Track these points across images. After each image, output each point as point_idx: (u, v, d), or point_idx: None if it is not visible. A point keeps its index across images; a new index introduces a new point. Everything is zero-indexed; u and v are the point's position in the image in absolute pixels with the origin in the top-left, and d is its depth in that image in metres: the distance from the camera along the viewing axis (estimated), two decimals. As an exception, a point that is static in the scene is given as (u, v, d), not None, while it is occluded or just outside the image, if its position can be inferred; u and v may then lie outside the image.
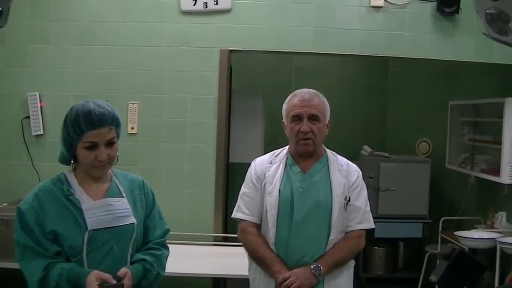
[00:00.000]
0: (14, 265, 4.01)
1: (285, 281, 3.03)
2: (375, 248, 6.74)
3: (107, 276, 2.49)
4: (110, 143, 2.60)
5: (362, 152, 7.29)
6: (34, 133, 5.03)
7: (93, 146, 2.56)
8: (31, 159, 4.99)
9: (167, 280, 4.17)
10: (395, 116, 7.79)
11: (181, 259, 4.39)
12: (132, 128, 4.99)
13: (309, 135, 3.12)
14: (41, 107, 5.02)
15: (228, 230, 5.07)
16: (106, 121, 2.57)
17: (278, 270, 3.08)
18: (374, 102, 7.82)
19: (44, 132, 5.01)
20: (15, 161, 5.04)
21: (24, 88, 5.07)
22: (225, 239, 4.94)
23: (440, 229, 6.12)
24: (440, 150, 7.06)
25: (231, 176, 5.54)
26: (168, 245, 4.32)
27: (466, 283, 1.67)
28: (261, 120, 6.69)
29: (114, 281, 2.51)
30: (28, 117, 5.04)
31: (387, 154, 7.06)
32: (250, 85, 7.12)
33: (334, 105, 6.74)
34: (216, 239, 4.97)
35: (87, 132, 2.54)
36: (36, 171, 4.93)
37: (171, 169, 5.03)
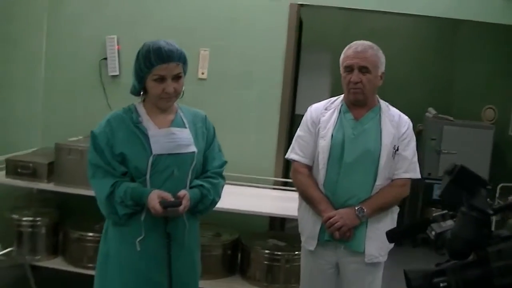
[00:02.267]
0: (87, 192, 4.40)
1: (329, 219, 3.24)
2: (432, 209, 6.79)
3: (166, 194, 2.76)
4: (176, 78, 2.84)
5: (427, 114, 7.35)
6: (110, 74, 5.33)
7: (161, 79, 2.80)
8: (106, 97, 5.30)
9: (228, 215, 4.46)
10: (462, 81, 7.80)
11: (242, 199, 4.66)
12: (202, 74, 5.20)
13: (358, 85, 3.25)
14: (118, 50, 5.29)
15: (288, 176, 5.26)
16: (174, 57, 2.80)
17: (324, 209, 3.27)
18: (442, 65, 7.84)
19: (119, 73, 5.29)
20: (92, 99, 5.36)
21: (103, 31, 5.34)
22: (285, 184, 5.13)
23: (497, 195, 6.16)
24: (505, 118, 7.03)
25: (295, 127, 5.71)
26: (231, 186, 4.61)
27: (464, 194, 1.81)
28: (329, 76, 6.86)
29: (172, 199, 2.78)
30: (106, 58, 5.33)
31: (451, 118, 7.11)
32: (320, 42, 7.24)
33: (403, 67, 6.92)
34: (276, 183, 5.15)
35: (156, 66, 2.78)
36: (111, 108, 5.13)
37: (237, 115, 5.22)
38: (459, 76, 7.83)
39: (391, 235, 2.23)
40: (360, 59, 3.25)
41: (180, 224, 2.92)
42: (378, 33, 7.21)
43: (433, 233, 1.96)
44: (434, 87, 7.79)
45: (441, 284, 1.90)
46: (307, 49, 6.53)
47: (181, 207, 2.79)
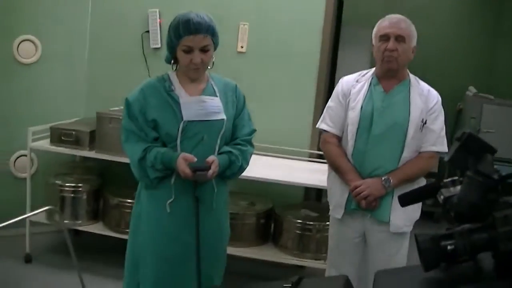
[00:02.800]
0: (126, 160, 4.55)
1: (356, 188, 3.32)
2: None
3: (191, 156, 2.90)
4: (204, 50, 2.95)
5: (467, 92, 7.33)
6: (152, 46, 5.44)
7: (188, 50, 2.93)
8: (148, 69, 5.42)
9: (262, 186, 4.58)
10: (504, 60, 7.72)
11: (277, 170, 4.74)
12: (242, 47, 5.28)
13: (394, 53, 3.29)
14: (160, 23, 5.41)
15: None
16: (202, 29, 2.91)
17: (352, 178, 3.35)
18: (484, 43, 7.79)
19: (161, 45, 5.39)
20: (134, 70, 5.48)
21: (145, 5, 5.45)
22: (320, 156, 5.19)
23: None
24: (546, 97, 6.99)
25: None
26: (267, 157, 4.70)
27: (471, 160, 1.88)
28: (368, 52, 6.89)
29: (195, 160, 2.90)
30: (148, 31, 5.45)
31: (492, 97, 7.07)
32: (361, 18, 7.25)
33: (444, 45, 6.88)
34: (311, 155, 5.23)
35: (184, 37, 2.91)
36: None
37: (274, 87, 5.28)
38: (501, 55, 7.77)
39: (402, 199, 2.32)
40: (396, 28, 3.31)
41: (209, 188, 3.05)
42: (420, 11, 7.23)
43: (442, 197, 2.04)
44: (476, 66, 7.75)
45: (449, 247, 1.98)
46: (348, 25, 6.57)
47: (210, 172, 2.91)
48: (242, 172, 3.19)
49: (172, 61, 3.07)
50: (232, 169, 3.08)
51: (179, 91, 3.00)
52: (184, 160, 2.87)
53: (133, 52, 5.52)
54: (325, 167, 4.46)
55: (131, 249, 3.18)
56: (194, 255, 3.02)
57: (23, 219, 4.81)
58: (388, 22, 3.36)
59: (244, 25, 5.27)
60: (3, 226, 5.11)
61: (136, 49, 5.51)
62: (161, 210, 3.00)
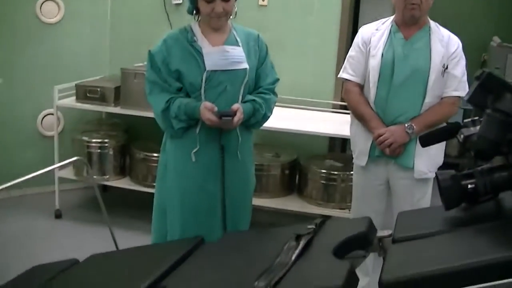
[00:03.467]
0: (151, 114, 4.61)
1: (380, 136, 3.36)
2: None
3: (211, 104, 2.93)
4: None
5: (492, 43, 7.26)
6: (174, 2, 5.45)
7: (210, 0, 2.93)
8: (170, 25, 5.42)
9: (287, 137, 4.62)
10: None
11: (301, 121, 4.77)
12: (263, 0, 5.27)
13: (416, 1, 3.29)
14: (180, -21, 5.43)
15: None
16: None
17: (375, 125, 3.39)
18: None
19: (182, 1, 5.38)
20: (156, 27, 5.48)
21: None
22: (344, 107, 5.20)
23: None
24: None
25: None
26: (290, 109, 4.73)
27: (490, 98, 1.90)
28: (390, 8, 6.84)
29: (216, 108, 2.93)
30: (169, -13, 5.48)
31: (516, 47, 7.01)
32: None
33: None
34: (334, 106, 5.24)
35: None
36: None
37: (297, 40, 5.26)
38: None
39: (424, 138, 2.36)
40: None
41: (234, 137, 3.08)
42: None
43: (462, 136, 2.07)
44: (500, 16, 7.65)
45: (469, 186, 2.02)
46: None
47: (235, 119, 2.93)
48: (266, 120, 3.21)
49: (194, 12, 3.07)
50: (256, 117, 3.11)
51: (202, 41, 3.02)
52: (205, 108, 2.91)
53: (155, 8, 5.54)
54: (349, 118, 4.50)
55: (158, 197, 3.24)
56: (220, 204, 3.09)
57: (53, 174, 4.95)
58: None
59: (264, -23, 5.26)
60: (34, 184, 5.27)
61: (158, 6, 5.52)
62: (187, 159, 3.05)
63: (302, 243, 2.15)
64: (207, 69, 2.96)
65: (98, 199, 3.30)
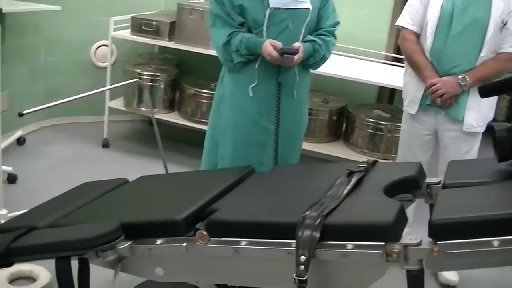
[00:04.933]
0: (205, 51, 4.66)
1: (432, 86, 3.37)
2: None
3: (279, 43, 2.94)
4: None
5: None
6: None
7: None
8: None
9: (337, 84, 4.63)
10: None
11: (352, 69, 4.76)
12: None
13: None
14: None
15: (399, 52, 5.27)
16: None
17: (428, 75, 3.39)
18: None
19: None
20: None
21: None
22: (396, 59, 5.16)
23: None
24: None
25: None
26: (342, 57, 4.72)
27: None
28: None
29: (281, 45, 2.94)
30: None
31: None
32: None
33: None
34: (386, 58, 5.21)
35: None
36: None
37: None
38: None
39: (483, 89, 2.36)
40: None
41: (291, 75, 3.10)
42: None
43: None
44: None
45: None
46: None
47: (296, 57, 2.96)
48: (324, 62, 3.23)
49: None
50: (315, 57, 3.13)
51: None
52: (269, 44, 2.93)
53: None
54: (400, 70, 4.48)
55: (211, 129, 3.29)
56: (273, 140, 3.14)
57: (103, 104, 5.03)
58: None
59: None
60: (84, 113, 5.38)
61: None
62: (243, 94, 3.09)
63: (354, 179, 2.19)
64: (270, 5, 2.97)
65: (154, 126, 3.36)
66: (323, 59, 3.19)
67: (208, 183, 2.60)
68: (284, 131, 3.16)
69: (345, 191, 2.09)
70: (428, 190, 2.37)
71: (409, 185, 2.28)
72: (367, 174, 2.29)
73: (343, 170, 2.30)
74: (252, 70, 3.06)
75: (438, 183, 2.35)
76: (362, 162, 2.39)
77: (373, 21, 5.26)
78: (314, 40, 3.10)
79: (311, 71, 3.31)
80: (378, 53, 5.21)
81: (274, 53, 2.91)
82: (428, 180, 2.38)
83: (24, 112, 2.91)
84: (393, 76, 4.66)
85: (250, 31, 3.05)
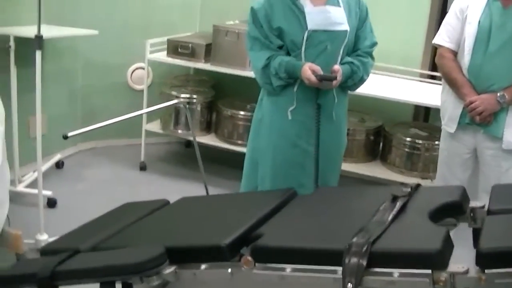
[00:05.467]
0: (241, 72, 4.69)
1: (471, 103, 3.33)
2: None
3: (317, 67, 2.96)
4: None
5: None
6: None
7: None
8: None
9: (373, 103, 4.62)
10: None
11: (387, 88, 4.76)
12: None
13: None
14: None
15: (435, 69, 5.23)
16: None
17: (467, 92, 3.35)
18: None
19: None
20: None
21: None
22: (431, 77, 5.14)
23: None
24: None
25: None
26: (377, 75, 4.71)
27: None
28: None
29: (322, 73, 2.96)
30: None
31: None
32: None
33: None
34: (422, 75, 5.19)
35: None
36: None
37: (387, 6, 5.17)
38: None
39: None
40: None
41: (330, 97, 3.11)
42: None
43: None
44: None
45: None
46: None
47: (334, 81, 2.98)
48: (363, 83, 3.24)
49: None
50: (353, 79, 3.13)
51: (304, 1, 3.03)
52: (308, 68, 2.94)
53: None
54: (435, 87, 4.46)
55: (251, 152, 3.31)
56: (313, 162, 3.14)
57: (140, 127, 5.06)
58: None
59: None
60: (121, 136, 5.43)
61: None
62: (283, 116, 3.10)
63: (398, 204, 2.18)
64: (308, 28, 2.99)
65: (195, 149, 3.39)
66: (361, 80, 3.20)
67: (251, 206, 2.59)
68: (324, 152, 3.17)
69: (390, 217, 2.07)
70: (472, 214, 2.35)
71: (454, 210, 2.26)
72: (411, 198, 2.27)
73: (387, 194, 2.28)
74: (291, 93, 3.08)
75: (482, 207, 2.32)
76: (406, 186, 2.38)
77: (408, 39, 5.24)
78: (352, 62, 3.11)
79: (349, 92, 3.31)
80: (414, 70, 5.20)
81: (313, 78, 2.92)
82: (472, 204, 2.36)
83: (69, 134, 2.95)
84: (429, 94, 4.65)
85: (288, 53, 3.07)
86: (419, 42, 5.21)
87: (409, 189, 2.32)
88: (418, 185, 2.45)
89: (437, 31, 3.63)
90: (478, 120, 3.35)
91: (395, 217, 2.10)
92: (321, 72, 2.96)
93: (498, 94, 3.29)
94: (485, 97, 3.32)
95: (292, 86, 3.07)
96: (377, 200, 2.26)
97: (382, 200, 2.25)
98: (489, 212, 2.23)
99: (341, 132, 3.29)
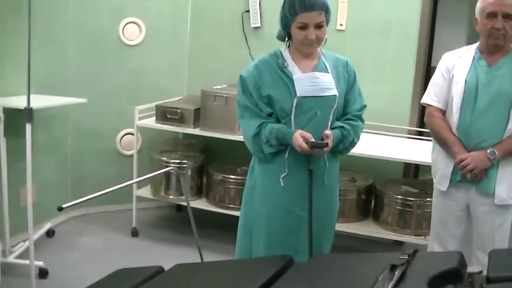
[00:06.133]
0: (231, 137, 4.69)
1: (462, 161, 3.36)
2: None
3: (308, 134, 2.97)
4: (319, 26, 3.00)
5: None
6: (252, 25, 5.54)
7: (304, 27, 2.98)
8: (248, 48, 5.54)
9: (363, 162, 4.63)
10: None
11: (377, 146, 4.79)
12: (341, 25, 5.28)
13: (501, 31, 3.29)
14: (259, 2, 5.48)
15: (422, 126, 5.26)
16: (317, 6, 2.96)
17: (457, 151, 3.39)
18: None
19: (261, 24, 5.49)
20: (234, 50, 5.62)
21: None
22: (419, 133, 5.19)
23: None
24: None
25: (430, 78, 5.71)
26: (366, 134, 4.74)
27: None
28: (465, 26, 6.82)
29: (312, 139, 2.97)
30: (248, 11, 5.55)
31: None
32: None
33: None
34: (410, 132, 5.22)
35: (300, 14, 2.96)
36: (252, 59, 5.35)
37: (374, 65, 5.28)
38: None
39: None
40: (504, 6, 3.28)
41: (321, 162, 3.12)
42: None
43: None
44: None
45: None
46: (444, 1, 6.50)
47: (326, 148, 2.99)
48: (353, 147, 3.25)
49: (287, 38, 3.13)
50: (344, 143, 3.15)
51: (292, 67, 3.07)
52: (299, 135, 2.95)
53: (233, 31, 5.67)
54: (424, 144, 4.48)
55: (244, 219, 3.30)
56: (307, 228, 3.12)
57: (131, 192, 5.04)
58: None
59: (343, 2, 5.28)
60: (112, 202, 5.39)
61: (237, 28, 5.64)
62: (275, 183, 3.10)
63: (397, 274, 2.16)
64: (297, 95, 3.01)
65: (189, 216, 3.37)
66: (352, 144, 3.21)
67: (249, 275, 2.55)
68: (318, 217, 3.14)
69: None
70: (470, 280, 2.33)
71: (452, 277, 2.24)
72: (409, 266, 2.26)
73: (385, 263, 2.27)
74: (283, 160, 3.09)
75: (480, 272, 2.31)
76: (403, 253, 2.36)
77: (395, 96, 5.29)
78: (342, 126, 3.13)
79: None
80: (402, 127, 5.23)
81: (304, 145, 2.93)
82: (470, 269, 2.34)
83: (63, 206, 2.92)
84: (418, 150, 4.69)
85: (278, 120, 3.09)
86: (406, 99, 5.25)
87: (406, 257, 2.31)
88: (415, 251, 2.44)
89: (422, 89, 3.69)
90: (470, 177, 3.37)
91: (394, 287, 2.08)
92: (312, 139, 2.97)
93: (488, 151, 3.33)
94: (476, 155, 3.35)
95: (283, 153, 3.08)
96: (375, 269, 2.24)
97: (380, 268, 2.23)
98: (489, 280, 2.21)
99: (334, 196, 3.29)
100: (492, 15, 3.32)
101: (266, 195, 3.14)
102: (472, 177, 3.38)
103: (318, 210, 3.14)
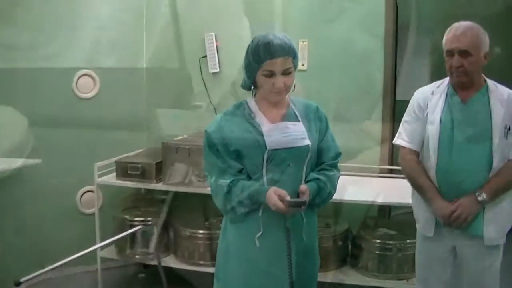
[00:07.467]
0: (196, 190, 4.47)
1: (453, 213, 3.20)
2: None
3: (283, 192, 2.75)
4: (287, 73, 2.82)
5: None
6: (211, 71, 5.38)
7: (270, 74, 2.80)
8: (208, 95, 5.38)
9: (335, 205, 4.45)
10: None
11: (349, 188, 4.54)
12: (303, 65, 5.14)
13: (460, 69, 3.20)
14: (216, 46, 5.33)
15: (394, 163, 5.14)
16: (283, 51, 2.78)
17: (432, 197, 3.28)
18: None
19: (219, 69, 5.34)
20: (194, 96, 5.47)
21: (201, 28, 5.40)
22: (391, 171, 5.07)
23: None
24: None
25: (396, 113, 5.62)
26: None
27: None
28: (428, 57, 6.73)
29: (288, 197, 2.75)
30: (205, 56, 5.40)
31: None
32: (417, 26, 7.07)
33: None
34: (381, 171, 5.10)
35: (265, 61, 2.78)
36: (213, 105, 5.32)
37: (339, 104, 5.11)
38: None
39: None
40: (459, 43, 3.19)
41: (298, 219, 2.92)
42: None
43: None
44: None
45: None
46: (404, 34, 6.42)
47: (303, 206, 2.80)
48: (331, 198, 3.06)
49: (253, 87, 2.95)
50: (321, 196, 2.96)
51: (260, 118, 2.89)
52: (273, 193, 2.75)
53: (192, 77, 5.51)
54: (396, 182, 4.34)
55: (220, 282, 3.08)
56: (288, 286, 2.91)
57: (95, 253, 4.80)
58: (452, 34, 3.25)
59: (303, 42, 5.15)
60: (75, 263, 5.11)
61: (195, 75, 5.48)
62: (250, 244, 2.88)
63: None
64: (268, 148, 2.82)
65: (161, 276, 3.15)
66: (329, 196, 3.02)
67: None
68: (298, 275, 2.94)
69: None
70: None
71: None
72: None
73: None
74: (256, 219, 2.88)
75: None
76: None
77: (363, 135, 5.16)
78: (318, 178, 2.94)
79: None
80: (373, 167, 5.12)
81: (280, 204, 2.73)
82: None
83: (22, 280, 2.74)
84: (392, 189, 4.60)
85: (249, 176, 2.88)
86: (374, 137, 5.13)
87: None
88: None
89: (391, 126, 3.55)
90: (463, 227, 3.25)
91: None
92: (287, 197, 2.76)
93: (477, 194, 3.20)
94: (465, 202, 3.22)
95: (256, 211, 2.87)
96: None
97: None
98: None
99: (314, 251, 3.11)
100: (449, 53, 3.25)
101: (241, 257, 2.93)
102: (464, 226, 3.24)
103: (298, 267, 2.94)
